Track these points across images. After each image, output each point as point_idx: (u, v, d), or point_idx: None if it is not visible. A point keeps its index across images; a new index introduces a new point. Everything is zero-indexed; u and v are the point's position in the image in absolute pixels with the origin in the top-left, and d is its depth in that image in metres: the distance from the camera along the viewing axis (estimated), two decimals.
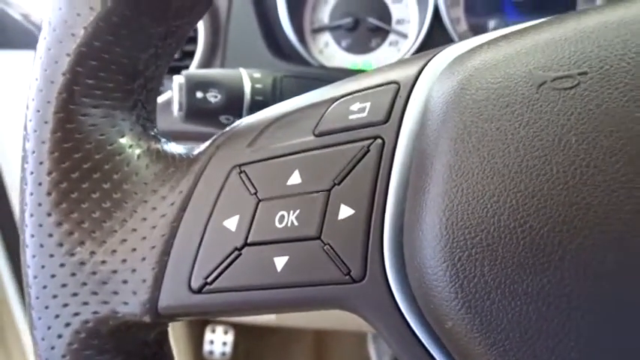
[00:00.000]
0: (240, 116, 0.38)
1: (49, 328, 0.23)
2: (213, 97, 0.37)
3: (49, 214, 0.23)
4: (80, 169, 0.23)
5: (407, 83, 0.21)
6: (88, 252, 0.23)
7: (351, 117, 0.22)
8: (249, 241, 0.22)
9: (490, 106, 0.18)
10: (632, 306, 0.15)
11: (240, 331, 0.93)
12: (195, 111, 0.37)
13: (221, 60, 0.55)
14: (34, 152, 0.23)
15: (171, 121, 0.39)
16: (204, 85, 0.37)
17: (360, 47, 0.59)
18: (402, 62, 0.23)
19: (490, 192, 0.17)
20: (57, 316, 0.23)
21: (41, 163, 0.23)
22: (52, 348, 0.23)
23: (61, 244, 0.23)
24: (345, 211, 0.20)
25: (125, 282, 0.23)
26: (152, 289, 0.23)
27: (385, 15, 0.58)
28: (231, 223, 0.22)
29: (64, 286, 0.23)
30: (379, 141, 0.21)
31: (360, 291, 0.20)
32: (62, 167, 0.23)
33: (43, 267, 0.23)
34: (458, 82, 0.19)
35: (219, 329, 0.92)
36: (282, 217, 0.21)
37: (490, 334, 0.17)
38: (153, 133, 0.26)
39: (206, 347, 0.92)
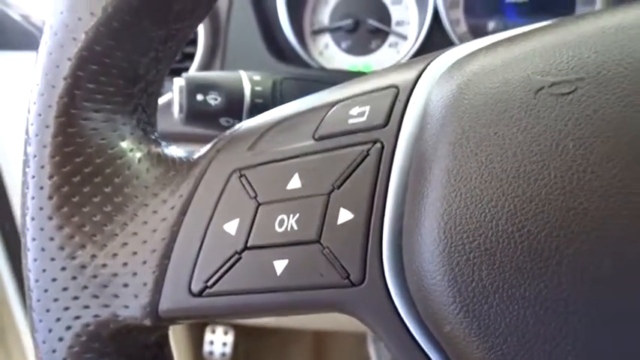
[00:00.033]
0: (240, 119, 0.38)
1: (50, 331, 0.24)
2: (214, 99, 0.37)
3: (51, 218, 0.23)
4: (81, 173, 0.23)
5: (406, 87, 0.21)
6: (88, 255, 0.23)
7: (350, 121, 0.22)
8: (249, 244, 0.22)
9: (488, 111, 0.18)
10: (629, 311, 0.15)
11: (240, 331, 0.93)
12: (196, 113, 0.37)
13: (221, 62, 0.55)
14: (35, 156, 0.23)
15: (172, 122, 0.39)
16: (205, 87, 0.37)
17: (360, 49, 0.59)
18: (401, 66, 0.23)
19: (488, 196, 0.17)
20: (58, 320, 0.23)
21: (42, 167, 0.23)
22: (53, 351, 0.24)
23: (62, 248, 0.23)
24: (345, 215, 0.21)
25: (126, 285, 0.23)
26: (153, 293, 0.23)
27: (385, 16, 0.58)
28: (232, 227, 0.22)
29: (65, 289, 0.23)
30: (378, 145, 0.21)
31: (359, 294, 0.20)
32: (63, 171, 0.23)
33: (44, 270, 0.23)
34: (457, 86, 0.19)
35: (219, 330, 0.92)
36: (282, 220, 0.21)
37: (488, 338, 0.17)
38: (153, 137, 0.26)
39: (206, 348, 0.92)
